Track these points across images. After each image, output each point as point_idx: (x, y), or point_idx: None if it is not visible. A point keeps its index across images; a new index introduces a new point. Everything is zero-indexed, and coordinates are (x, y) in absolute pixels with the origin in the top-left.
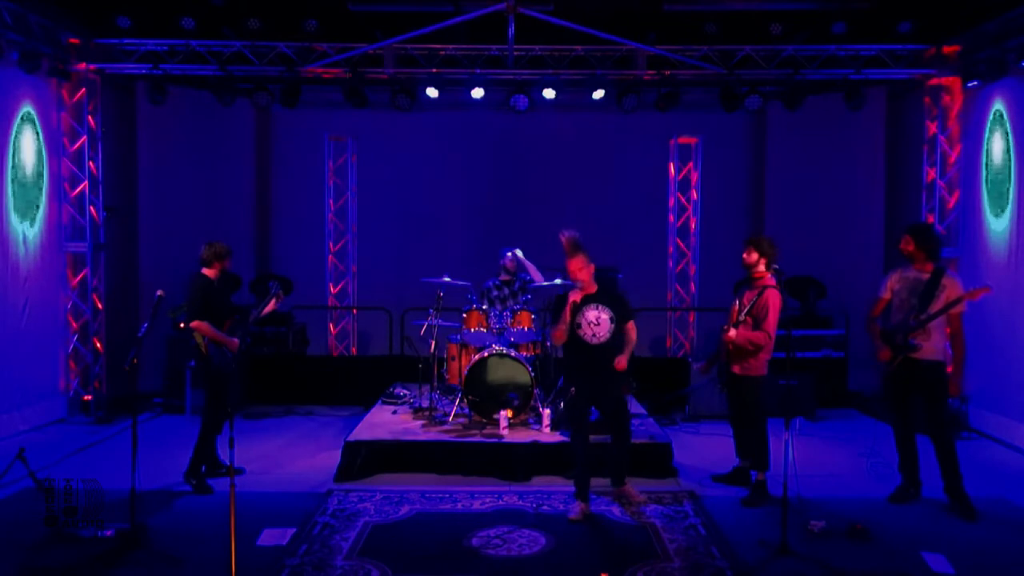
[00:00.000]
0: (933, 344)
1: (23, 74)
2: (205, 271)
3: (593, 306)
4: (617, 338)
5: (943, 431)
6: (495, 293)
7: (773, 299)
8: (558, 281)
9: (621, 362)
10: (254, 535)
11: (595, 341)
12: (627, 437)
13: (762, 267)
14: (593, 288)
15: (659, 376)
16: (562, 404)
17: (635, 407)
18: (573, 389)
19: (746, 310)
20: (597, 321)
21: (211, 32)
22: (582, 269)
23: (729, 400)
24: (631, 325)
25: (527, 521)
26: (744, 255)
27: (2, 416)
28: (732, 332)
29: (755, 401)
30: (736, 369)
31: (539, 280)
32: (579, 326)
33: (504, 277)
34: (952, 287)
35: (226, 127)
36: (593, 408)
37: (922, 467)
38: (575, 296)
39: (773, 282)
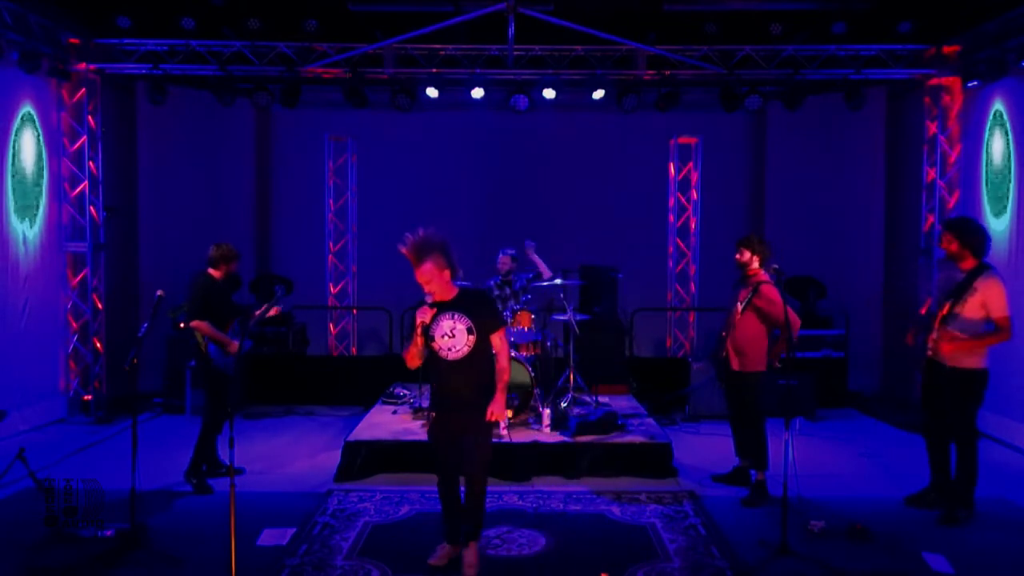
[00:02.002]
0: (960, 349)
1: (23, 74)
2: (211, 271)
3: (448, 315)
4: (480, 354)
5: (955, 437)
6: (496, 293)
7: (771, 293)
8: (558, 281)
9: (493, 410)
10: (254, 535)
11: (452, 356)
12: (478, 488)
13: (756, 265)
14: (451, 294)
15: (659, 376)
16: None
17: (635, 407)
18: (432, 414)
19: (743, 305)
20: (452, 332)
21: (211, 32)
22: (430, 281)
23: (728, 399)
24: (499, 339)
25: (527, 521)
26: (737, 256)
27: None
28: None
29: (754, 399)
30: (735, 366)
31: (547, 274)
32: (433, 339)
33: (510, 278)
34: (986, 290)
35: (226, 127)
36: (596, 409)
37: (923, 468)
38: (424, 316)
39: (767, 277)
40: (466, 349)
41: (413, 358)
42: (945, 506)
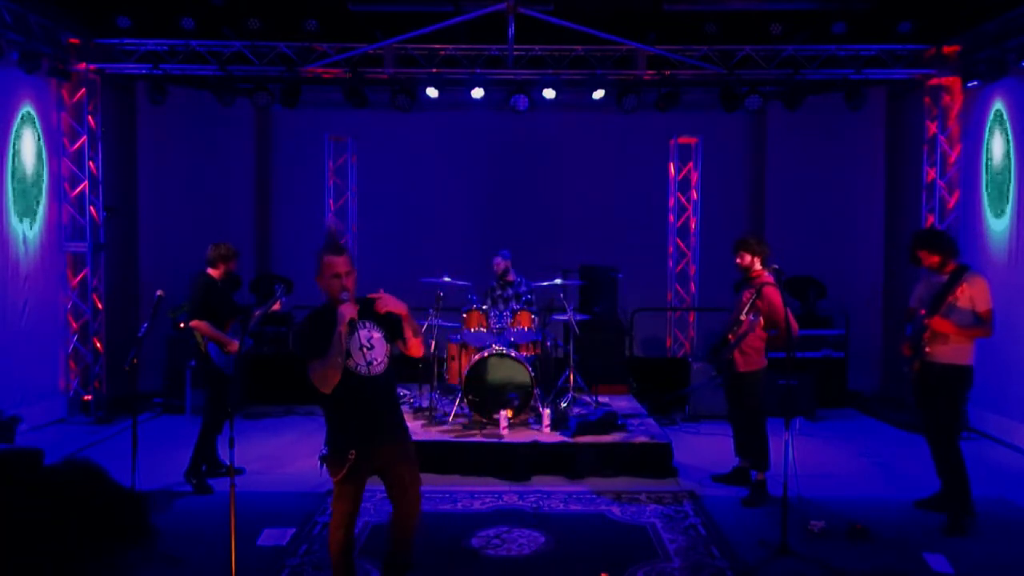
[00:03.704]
0: (948, 347)
1: (23, 74)
2: (210, 271)
3: (362, 324)
4: (393, 367)
5: (938, 436)
6: (499, 292)
7: (773, 296)
8: (558, 281)
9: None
10: (254, 535)
11: (372, 372)
12: (417, 519)
13: (758, 266)
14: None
15: (659, 376)
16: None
17: (635, 407)
18: (353, 454)
19: (746, 308)
20: (370, 343)
21: (211, 32)
22: (350, 274)
23: (729, 399)
24: (411, 340)
25: (527, 521)
26: (737, 260)
27: None
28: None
29: (756, 399)
30: (740, 367)
31: None
32: (348, 354)
33: (510, 278)
34: (973, 286)
35: (226, 127)
36: (596, 409)
37: (923, 468)
38: (350, 310)
39: (771, 279)
40: (386, 361)
41: (336, 373)
42: (948, 514)
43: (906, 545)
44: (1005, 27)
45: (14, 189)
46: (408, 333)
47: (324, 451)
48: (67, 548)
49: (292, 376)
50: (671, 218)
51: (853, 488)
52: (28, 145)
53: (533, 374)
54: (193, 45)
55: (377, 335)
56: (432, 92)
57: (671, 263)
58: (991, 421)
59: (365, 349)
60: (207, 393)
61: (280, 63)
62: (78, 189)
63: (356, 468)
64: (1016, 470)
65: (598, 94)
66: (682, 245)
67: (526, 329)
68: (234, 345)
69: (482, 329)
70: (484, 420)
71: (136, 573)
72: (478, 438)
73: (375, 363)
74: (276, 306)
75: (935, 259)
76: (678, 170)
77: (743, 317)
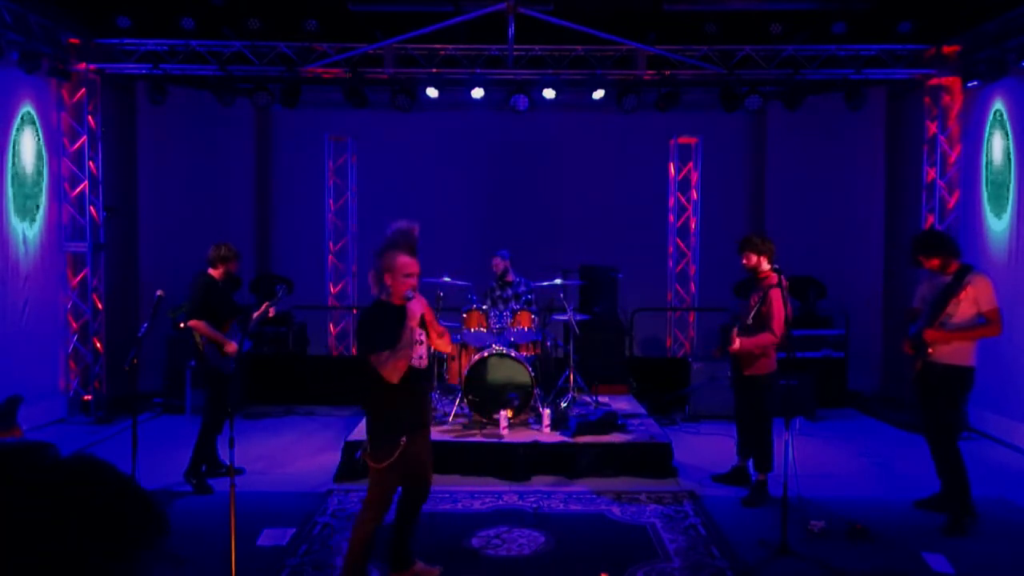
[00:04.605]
0: (950, 347)
1: (23, 74)
2: (211, 271)
3: None
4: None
5: (938, 436)
6: (498, 293)
7: (775, 298)
8: (558, 281)
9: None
10: (254, 535)
11: (422, 364)
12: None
13: (765, 265)
14: None
15: (659, 376)
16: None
17: (635, 407)
18: (404, 440)
19: (751, 314)
20: (420, 337)
21: (211, 32)
22: (418, 274)
23: (737, 400)
24: (436, 341)
25: (527, 521)
26: (743, 261)
27: None
28: (737, 343)
29: (761, 401)
30: (748, 369)
31: None
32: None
33: (509, 278)
34: (976, 286)
35: (226, 127)
36: (596, 409)
37: (923, 468)
38: (421, 307)
39: (776, 280)
40: (428, 354)
41: (406, 364)
42: (948, 514)
43: (906, 545)
44: (1005, 27)
45: (14, 189)
46: (433, 334)
47: (365, 443)
48: (68, 548)
49: (292, 376)
50: (671, 218)
51: (853, 488)
52: (28, 145)
53: (533, 374)
54: (193, 45)
55: (422, 331)
56: (432, 92)
57: (671, 263)
58: (991, 421)
59: (418, 343)
60: (207, 393)
61: (280, 63)
62: (78, 189)
63: (403, 454)
64: (1016, 470)
65: (598, 94)
66: (682, 245)
67: (526, 329)
68: (231, 345)
69: (482, 329)
70: (484, 420)
71: (151, 574)
72: (478, 438)
73: (423, 356)
74: (271, 312)
75: (935, 261)
76: (678, 170)
77: (750, 322)
